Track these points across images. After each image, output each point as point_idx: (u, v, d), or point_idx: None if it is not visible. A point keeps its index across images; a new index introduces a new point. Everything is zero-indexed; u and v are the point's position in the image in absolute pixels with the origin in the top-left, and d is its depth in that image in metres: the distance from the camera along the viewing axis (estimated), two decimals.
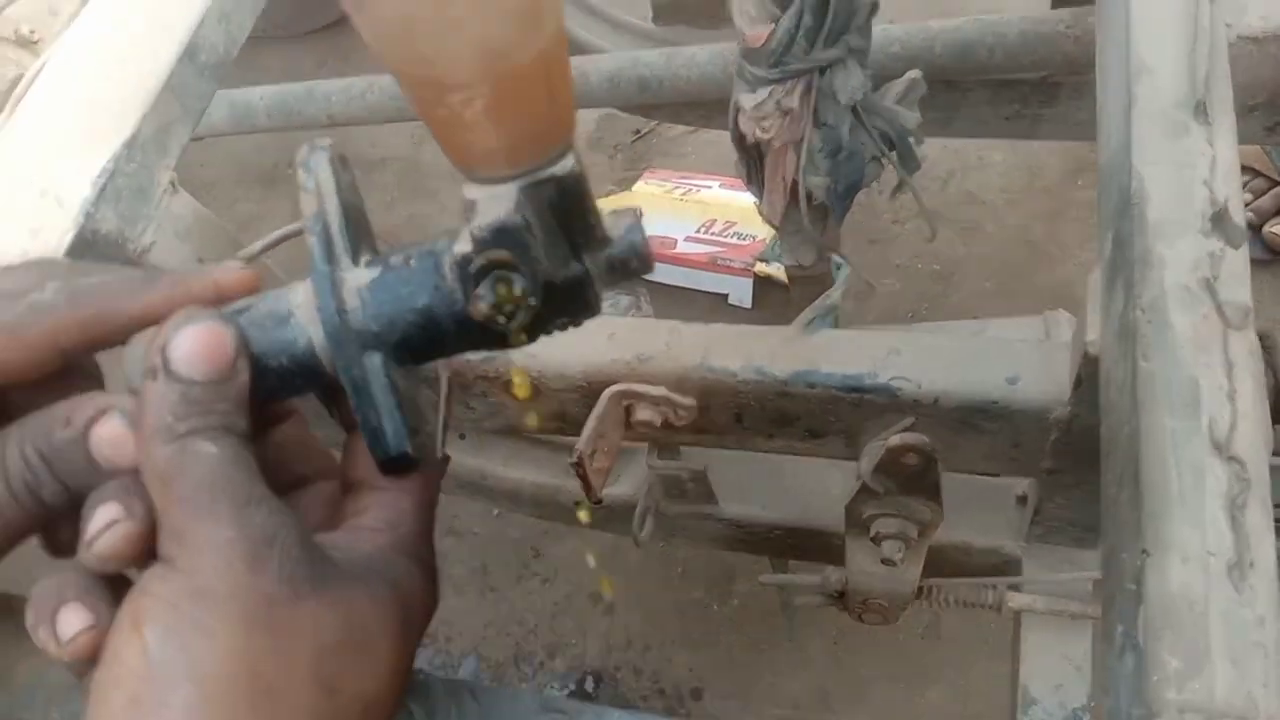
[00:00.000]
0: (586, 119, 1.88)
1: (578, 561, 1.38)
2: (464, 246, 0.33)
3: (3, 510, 0.34)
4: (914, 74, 0.80)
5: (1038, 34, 0.97)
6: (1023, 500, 0.75)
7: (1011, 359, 0.60)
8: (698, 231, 1.63)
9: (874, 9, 0.71)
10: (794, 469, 0.81)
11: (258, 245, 0.65)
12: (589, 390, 0.68)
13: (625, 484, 0.85)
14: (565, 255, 0.34)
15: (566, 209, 0.33)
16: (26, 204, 0.61)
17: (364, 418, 0.34)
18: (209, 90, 0.68)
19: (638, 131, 1.83)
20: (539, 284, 0.33)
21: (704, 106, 1.15)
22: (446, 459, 0.41)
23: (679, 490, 0.80)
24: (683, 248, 1.61)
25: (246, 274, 0.37)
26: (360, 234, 0.35)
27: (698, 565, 1.31)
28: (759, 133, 0.72)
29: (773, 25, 0.68)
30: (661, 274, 1.60)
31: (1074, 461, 0.62)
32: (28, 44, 1.52)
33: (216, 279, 0.37)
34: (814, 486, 0.80)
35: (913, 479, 0.58)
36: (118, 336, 0.36)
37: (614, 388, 0.66)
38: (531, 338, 0.35)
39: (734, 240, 1.61)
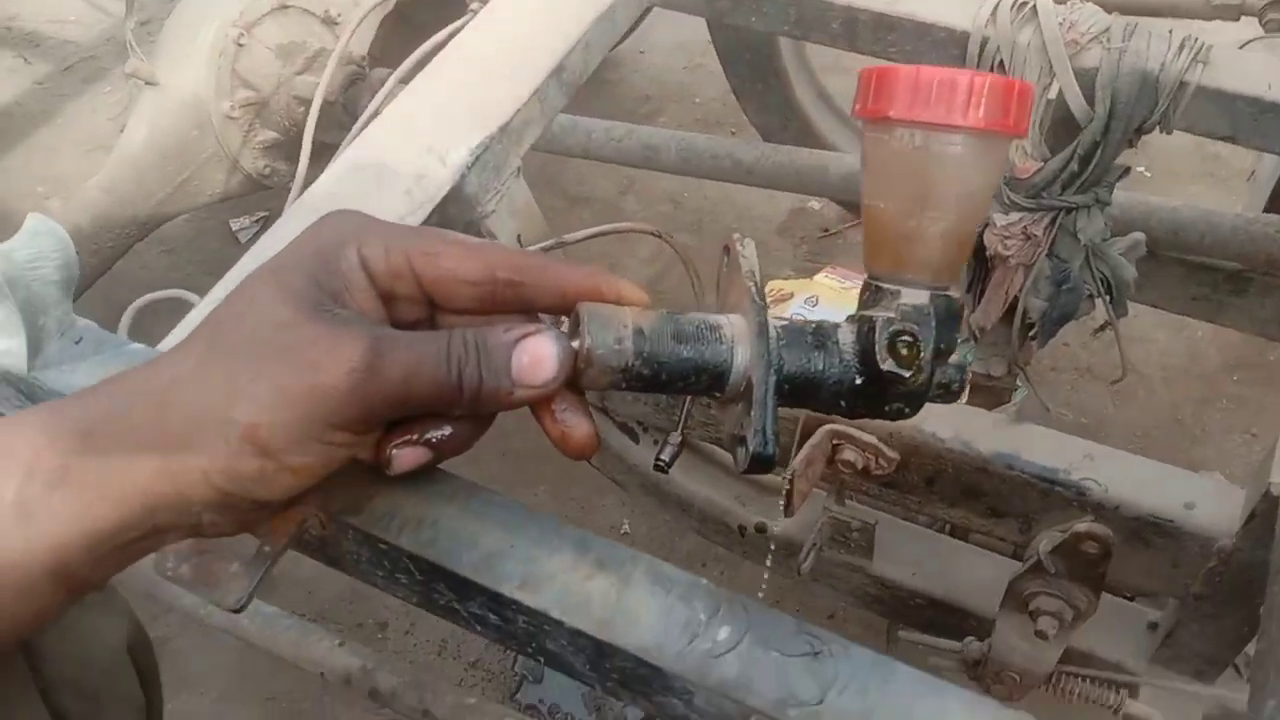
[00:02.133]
0: (780, 208, 2.01)
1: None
2: (888, 313, 0.48)
3: (438, 376, 0.43)
4: (1138, 236, 0.90)
5: (1248, 231, 1.06)
6: (1153, 628, 0.82)
7: (1191, 487, 0.68)
8: None
9: (1126, 172, 0.82)
10: (950, 548, 0.90)
11: (579, 235, 0.78)
12: (806, 425, 0.78)
13: (789, 524, 0.95)
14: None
15: (945, 322, 0.48)
16: (414, 156, 0.75)
17: (756, 419, 0.45)
18: (562, 102, 0.83)
19: (826, 230, 1.96)
20: (931, 358, 0.47)
21: None
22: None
23: (843, 537, 0.89)
24: None
25: (642, 296, 0.48)
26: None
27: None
28: (1000, 248, 0.83)
29: (1041, 164, 0.79)
30: None
31: (1221, 593, 0.70)
32: (331, 23, 1.73)
33: (621, 290, 0.48)
34: (965, 568, 0.89)
35: (1083, 566, 0.67)
36: (539, 294, 0.47)
37: (832, 425, 0.76)
38: (878, 411, 0.49)
39: None
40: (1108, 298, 0.87)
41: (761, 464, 0.46)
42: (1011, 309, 0.88)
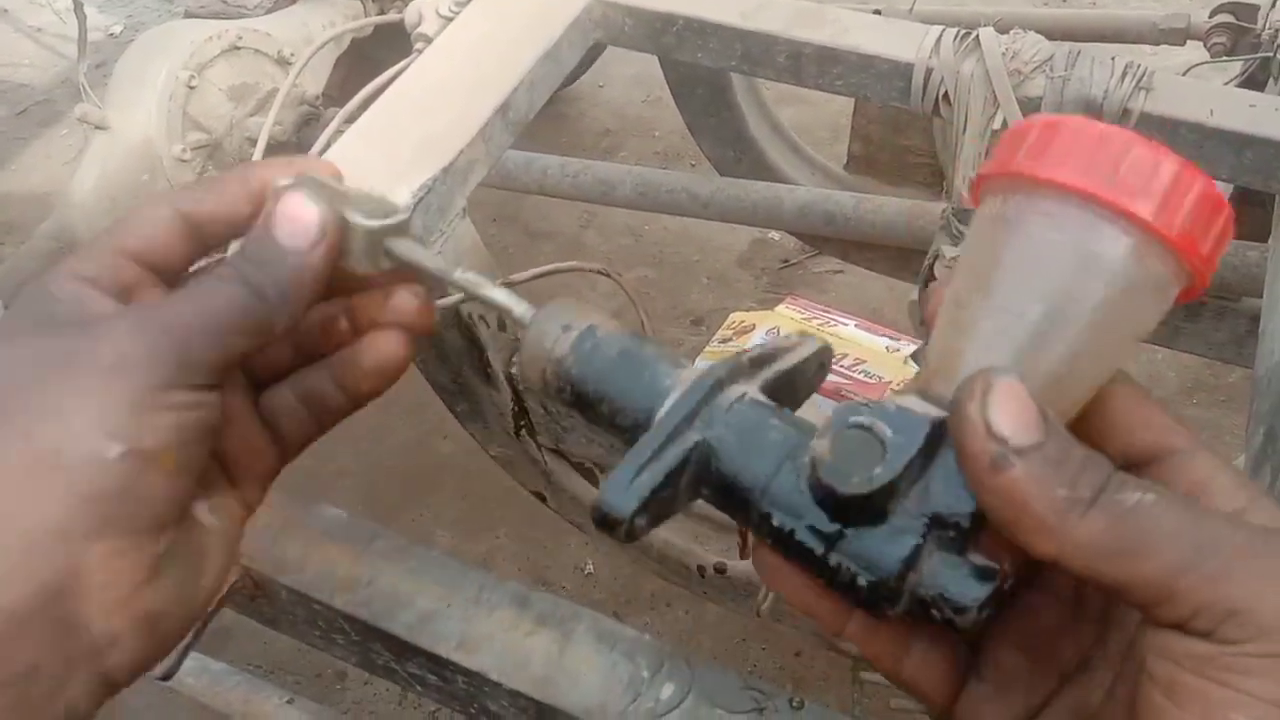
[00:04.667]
0: (740, 239, 2.01)
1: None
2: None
3: (217, 286, 0.39)
4: None
5: None
6: None
7: None
8: None
9: None
10: None
11: (527, 274, 0.77)
12: None
13: (749, 564, 0.94)
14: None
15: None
16: None
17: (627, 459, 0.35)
18: (509, 141, 0.82)
19: (786, 260, 1.96)
20: (889, 471, 0.32)
21: (874, 251, 1.27)
22: None
23: None
24: None
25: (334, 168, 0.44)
26: None
27: (768, 669, 1.37)
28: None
29: None
30: None
31: None
32: (284, 63, 1.72)
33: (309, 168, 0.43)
34: None
35: None
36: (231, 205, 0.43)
37: None
38: (823, 566, 0.34)
39: (861, 377, 1.70)
40: None
41: (604, 523, 0.34)
42: None
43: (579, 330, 0.39)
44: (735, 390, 0.37)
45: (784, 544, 0.34)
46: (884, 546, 0.32)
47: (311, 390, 0.45)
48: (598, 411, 0.39)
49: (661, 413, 0.37)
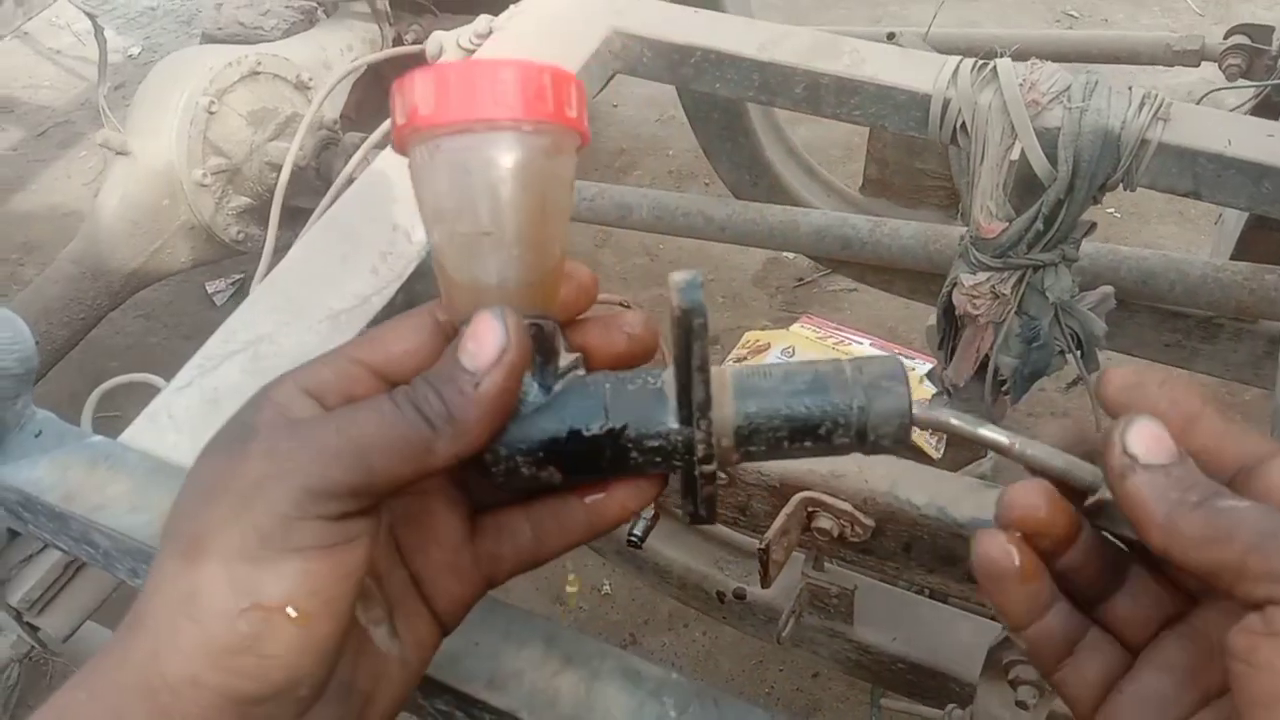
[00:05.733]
0: (755, 258, 2.02)
1: (665, 658, 1.45)
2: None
3: (384, 412, 0.36)
4: (1107, 290, 0.90)
5: (1217, 279, 1.06)
6: None
7: None
8: None
9: (1091, 229, 0.82)
10: (931, 612, 0.89)
11: None
12: (780, 492, 0.78)
13: (768, 589, 0.94)
14: None
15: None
16: (381, 233, 0.75)
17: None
18: None
19: (800, 279, 1.97)
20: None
21: (890, 274, 1.27)
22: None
23: (822, 603, 0.88)
24: None
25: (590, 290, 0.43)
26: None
27: (786, 691, 1.37)
28: (970, 308, 0.83)
29: (1006, 224, 0.79)
30: None
31: None
32: (303, 88, 1.74)
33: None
34: (945, 632, 0.88)
35: None
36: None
37: (806, 493, 0.75)
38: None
39: None
40: (1078, 353, 0.87)
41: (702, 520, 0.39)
42: (983, 366, 0.88)
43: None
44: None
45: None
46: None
47: (547, 515, 0.42)
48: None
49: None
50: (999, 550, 0.39)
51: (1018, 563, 0.38)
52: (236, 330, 0.70)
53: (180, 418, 0.66)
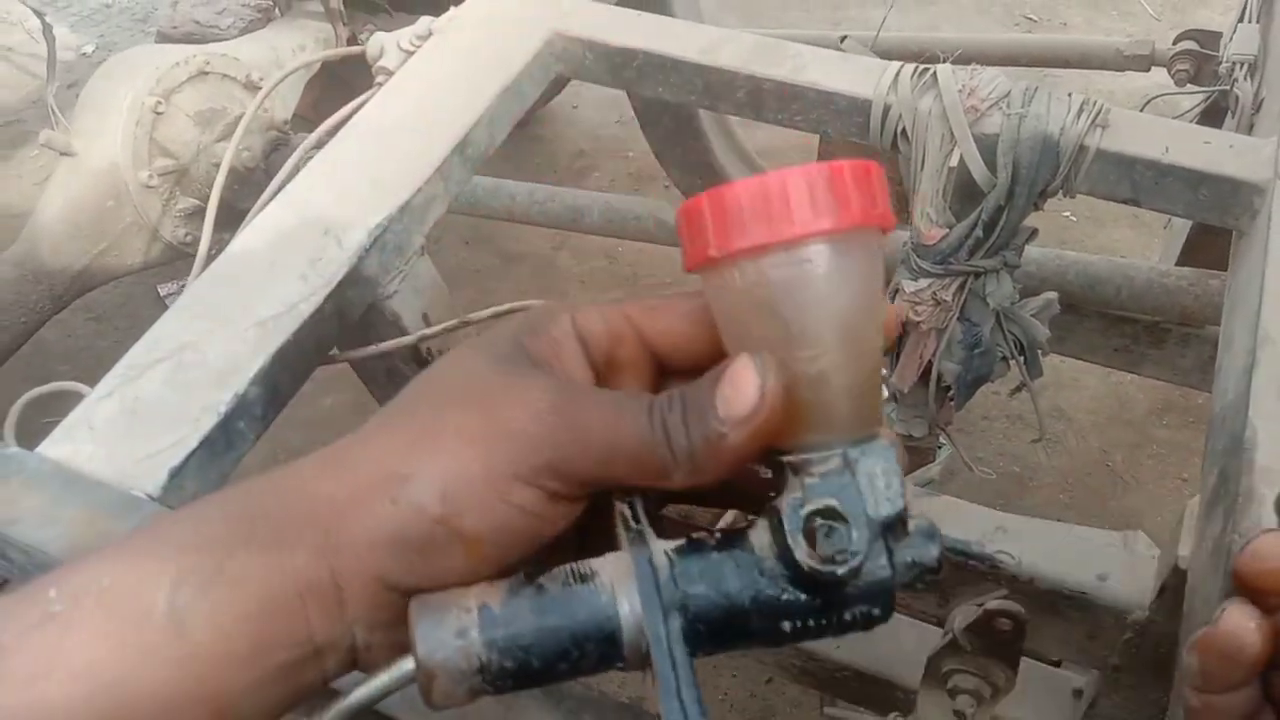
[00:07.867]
0: None
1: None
2: (795, 494, 0.35)
3: (639, 429, 0.36)
4: (1051, 295, 0.90)
5: (1163, 284, 1.07)
6: (1078, 694, 0.81)
7: (1104, 559, 0.68)
8: None
9: (1033, 235, 0.82)
10: None
11: (484, 313, 0.76)
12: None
13: None
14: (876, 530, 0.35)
15: (880, 477, 0.35)
16: (311, 239, 0.73)
17: (663, 690, 0.34)
18: (467, 177, 0.81)
19: None
20: (863, 536, 0.34)
21: None
22: None
23: None
24: None
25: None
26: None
27: (740, 697, 1.37)
28: (911, 315, 0.83)
29: (947, 230, 0.79)
30: None
31: (1138, 665, 0.69)
32: (253, 88, 1.71)
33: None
34: (889, 639, 0.87)
35: (999, 643, 0.66)
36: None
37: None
38: (837, 626, 0.36)
39: None
40: (1021, 359, 0.87)
41: None
42: (927, 372, 0.88)
43: (474, 622, 0.35)
44: (657, 558, 0.36)
45: (800, 636, 0.36)
46: (874, 581, 0.36)
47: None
48: (558, 673, 0.36)
49: (630, 615, 0.35)
50: (1243, 625, 0.37)
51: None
52: (160, 339, 0.68)
53: (100, 429, 0.64)
